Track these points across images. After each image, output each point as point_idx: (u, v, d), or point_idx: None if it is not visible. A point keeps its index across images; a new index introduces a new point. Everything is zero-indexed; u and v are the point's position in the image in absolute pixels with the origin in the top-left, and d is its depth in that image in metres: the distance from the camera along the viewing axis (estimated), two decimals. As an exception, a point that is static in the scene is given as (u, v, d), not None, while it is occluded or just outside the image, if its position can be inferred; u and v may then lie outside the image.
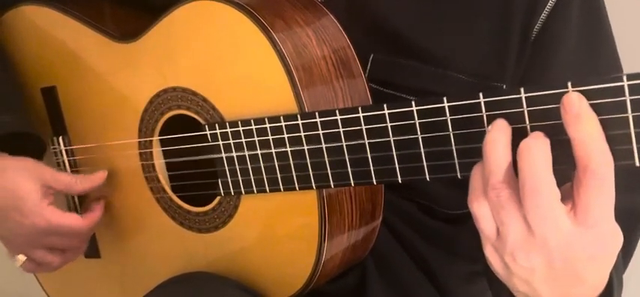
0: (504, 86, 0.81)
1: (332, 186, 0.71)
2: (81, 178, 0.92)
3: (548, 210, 0.54)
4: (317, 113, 0.69)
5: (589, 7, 0.82)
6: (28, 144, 0.92)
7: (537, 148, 0.54)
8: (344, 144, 0.68)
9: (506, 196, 0.56)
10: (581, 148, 0.53)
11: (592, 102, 0.53)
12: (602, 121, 0.53)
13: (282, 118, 0.72)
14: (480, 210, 0.58)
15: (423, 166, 0.63)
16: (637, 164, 0.53)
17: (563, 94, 0.54)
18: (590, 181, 0.53)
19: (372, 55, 0.82)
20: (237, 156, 0.77)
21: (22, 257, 0.93)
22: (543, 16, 0.79)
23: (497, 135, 0.56)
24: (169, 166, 0.89)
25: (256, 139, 0.75)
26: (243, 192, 0.79)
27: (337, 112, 0.68)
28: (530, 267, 0.57)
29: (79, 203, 0.98)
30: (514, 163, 0.56)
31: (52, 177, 0.89)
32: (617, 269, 0.69)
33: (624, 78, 0.51)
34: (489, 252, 0.60)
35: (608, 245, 0.56)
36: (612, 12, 0.88)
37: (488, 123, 0.58)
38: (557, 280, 0.57)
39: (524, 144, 0.54)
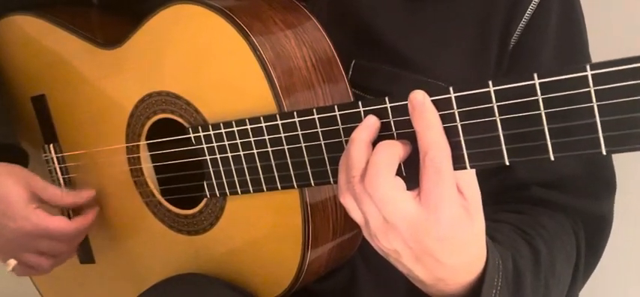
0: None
1: (312, 184, 0.72)
2: (68, 194, 0.93)
3: (386, 197, 0.60)
4: (295, 113, 0.70)
5: (567, 16, 0.83)
6: (10, 156, 0.93)
7: (380, 151, 0.61)
8: (322, 142, 0.69)
9: (361, 188, 0.61)
10: (421, 137, 0.59)
11: (559, 94, 0.54)
12: (567, 112, 0.53)
13: (262, 118, 0.73)
14: (347, 203, 0.63)
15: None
16: (603, 153, 0.53)
17: (530, 85, 0.55)
18: (428, 168, 0.59)
19: (353, 61, 0.82)
20: (220, 157, 0.78)
21: (12, 261, 0.94)
22: (521, 25, 0.80)
23: (360, 134, 0.62)
24: (157, 170, 0.90)
25: (238, 140, 0.75)
26: (227, 193, 0.79)
27: (314, 111, 0.68)
28: (394, 248, 0.62)
29: (71, 209, 0.99)
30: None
31: (40, 186, 0.91)
32: (503, 260, 0.71)
33: (588, 68, 0.52)
34: (367, 239, 0.65)
35: (455, 228, 0.60)
36: (611, 12, 0.89)
37: (459, 118, 0.59)
38: (421, 260, 0.63)
39: (376, 146, 0.61)
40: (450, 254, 0.62)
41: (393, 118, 0.63)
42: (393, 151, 0.61)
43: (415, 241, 0.61)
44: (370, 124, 0.63)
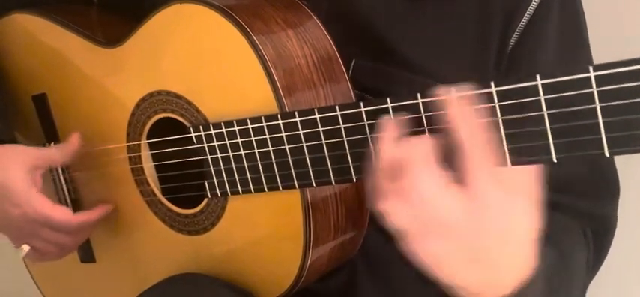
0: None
1: (314, 184, 0.71)
2: (61, 147, 0.94)
3: (432, 195, 0.57)
4: (296, 112, 0.70)
5: (568, 16, 0.82)
6: None
7: (417, 148, 0.58)
8: (323, 142, 0.69)
9: (401, 189, 0.58)
10: (459, 133, 0.57)
11: (561, 94, 0.54)
12: (569, 113, 0.53)
13: (263, 118, 0.72)
14: (387, 208, 0.59)
15: None
16: (606, 154, 0.53)
17: (533, 86, 0.55)
18: (470, 163, 0.56)
19: (353, 61, 0.82)
20: (221, 157, 0.78)
21: (26, 247, 0.94)
22: (521, 24, 0.79)
23: (389, 133, 0.60)
24: (158, 169, 0.90)
25: (239, 140, 0.75)
26: (229, 193, 0.79)
27: (316, 110, 0.68)
28: (441, 251, 0.58)
29: (70, 201, 0.99)
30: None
31: (37, 155, 0.91)
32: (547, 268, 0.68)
33: (590, 69, 0.52)
34: (405, 248, 0.60)
35: (509, 217, 0.58)
36: (611, 12, 0.88)
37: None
38: (475, 260, 0.58)
39: (409, 144, 0.59)
40: (503, 247, 0.59)
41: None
42: (428, 147, 0.59)
43: (468, 238, 0.58)
44: (397, 122, 0.61)
